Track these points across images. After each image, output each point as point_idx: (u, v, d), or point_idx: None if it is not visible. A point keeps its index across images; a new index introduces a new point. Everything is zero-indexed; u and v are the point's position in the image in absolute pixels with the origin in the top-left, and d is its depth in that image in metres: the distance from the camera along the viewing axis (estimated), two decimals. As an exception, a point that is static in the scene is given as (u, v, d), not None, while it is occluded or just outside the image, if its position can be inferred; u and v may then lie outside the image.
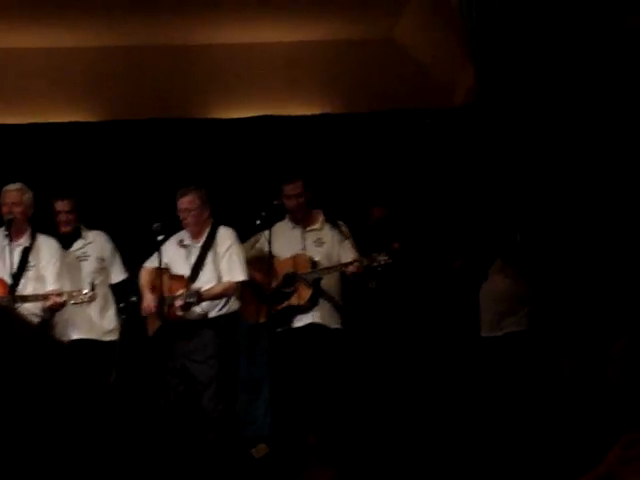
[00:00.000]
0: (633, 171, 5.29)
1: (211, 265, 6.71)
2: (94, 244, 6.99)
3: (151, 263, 6.83)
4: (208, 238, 6.78)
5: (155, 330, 6.74)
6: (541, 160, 5.62)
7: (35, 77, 8.25)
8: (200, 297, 6.52)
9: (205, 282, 6.66)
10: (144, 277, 6.85)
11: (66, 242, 6.95)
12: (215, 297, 6.66)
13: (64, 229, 6.95)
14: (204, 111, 8.43)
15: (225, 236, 6.78)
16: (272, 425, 6.91)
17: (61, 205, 6.96)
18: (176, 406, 6.63)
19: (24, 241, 6.68)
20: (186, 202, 6.70)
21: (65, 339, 6.68)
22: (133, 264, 7.10)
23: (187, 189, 6.73)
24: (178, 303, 6.51)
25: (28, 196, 6.71)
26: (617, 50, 5.25)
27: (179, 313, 6.52)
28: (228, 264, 6.69)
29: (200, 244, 6.78)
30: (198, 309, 6.63)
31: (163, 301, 6.50)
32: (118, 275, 7.09)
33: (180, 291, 6.55)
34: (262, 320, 6.86)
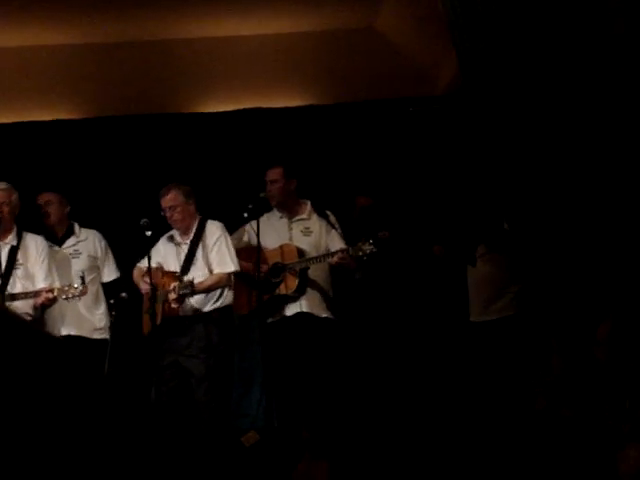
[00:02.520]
0: (616, 155, 5.33)
1: (201, 259, 6.73)
2: (87, 242, 7.05)
3: (144, 262, 6.86)
4: (197, 233, 6.80)
5: (148, 330, 6.76)
6: (525, 146, 5.65)
7: (16, 76, 8.23)
8: (193, 288, 6.50)
9: (197, 277, 6.66)
10: (137, 275, 6.89)
11: (58, 239, 6.99)
12: (208, 289, 6.66)
13: (45, 221, 6.98)
14: (188, 105, 8.43)
15: (213, 229, 6.81)
16: (266, 416, 6.93)
17: (40, 198, 7.03)
18: (168, 401, 6.64)
19: (11, 240, 6.72)
20: (169, 199, 6.72)
21: (55, 335, 6.72)
22: (121, 261, 7.12)
23: (168, 187, 6.76)
24: (172, 296, 6.50)
25: (16, 196, 6.79)
26: (599, 37, 5.27)
27: (174, 305, 6.51)
28: (218, 256, 6.72)
29: (189, 239, 6.80)
30: (192, 304, 6.65)
31: (155, 298, 6.52)
32: (111, 274, 7.13)
33: (173, 284, 6.55)
34: (251, 309, 6.88)
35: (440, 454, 6.18)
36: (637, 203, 5.33)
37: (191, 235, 6.81)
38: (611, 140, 5.30)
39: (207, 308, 6.69)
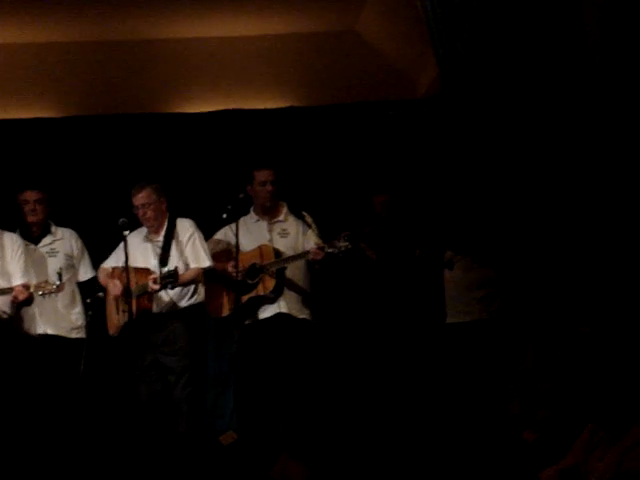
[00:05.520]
0: (594, 157, 5.37)
1: (176, 255, 6.74)
2: (63, 241, 7.01)
3: (108, 263, 6.92)
4: (168, 230, 6.82)
5: (117, 329, 6.76)
6: (503, 148, 5.68)
7: (-3, 73, 8.22)
8: (177, 278, 6.46)
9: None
10: (103, 276, 6.89)
11: (34, 238, 6.95)
12: (188, 282, 6.67)
13: (31, 218, 6.93)
14: (169, 106, 8.41)
15: (185, 226, 6.84)
16: (238, 417, 6.93)
17: (30, 195, 6.94)
18: (149, 403, 6.68)
19: (-15, 238, 6.67)
20: (143, 197, 6.74)
21: (32, 333, 6.70)
22: (98, 261, 7.10)
23: (140, 185, 6.77)
24: (154, 287, 6.49)
25: None
26: (576, 41, 5.31)
27: (156, 286, 6.48)
28: (193, 251, 6.73)
29: (161, 237, 6.81)
30: (167, 300, 6.67)
31: (130, 295, 6.50)
32: (87, 273, 7.10)
33: (153, 275, 6.54)
34: (229, 312, 6.88)
35: (416, 454, 6.19)
36: (614, 204, 5.37)
37: (162, 232, 6.83)
38: (588, 141, 5.34)
39: (182, 304, 6.71)
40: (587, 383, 4.43)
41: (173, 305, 6.69)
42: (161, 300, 6.66)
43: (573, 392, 4.98)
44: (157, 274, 6.54)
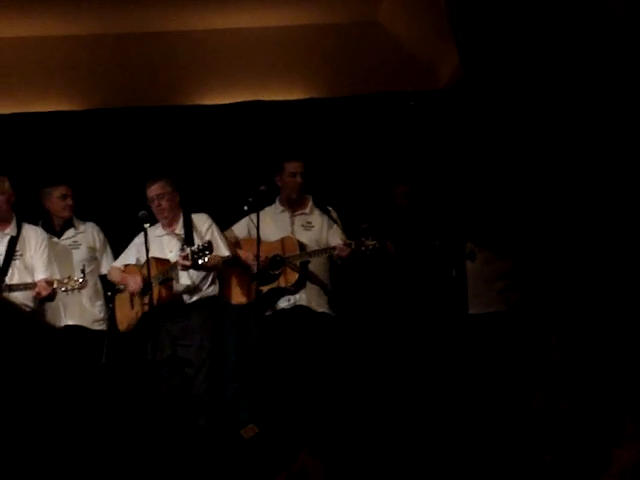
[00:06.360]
0: (616, 146, 5.32)
1: (199, 243, 6.72)
2: (85, 234, 7.05)
3: (119, 262, 6.97)
4: (186, 223, 6.84)
5: (129, 325, 6.79)
6: (526, 140, 5.64)
7: (18, 66, 8.22)
8: (212, 249, 6.42)
9: None
10: (115, 275, 6.90)
11: (57, 231, 6.97)
12: (213, 267, 6.67)
13: (66, 213, 6.95)
14: (189, 98, 8.41)
15: (202, 219, 6.88)
16: (252, 410, 6.93)
17: (65, 189, 6.97)
18: (169, 397, 6.70)
19: (10, 230, 6.71)
20: (157, 188, 6.78)
21: (57, 325, 6.72)
22: (120, 254, 7.10)
23: (153, 178, 6.82)
24: (186, 263, 6.43)
25: (8, 184, 6.72)
26: (598, 32, 5.27)
27: (188, 262, 6.45)
28: (213, 241, 6.71)
29: (179, 229, 6.84)
30: (186, 290, 6.68)
31: (150, 286, 6.50)
32: (109, 266, 7.11)
33: (184, 252, 6.50)
34: (248, 299, 6.87)
35: (437, 449, 6.17)
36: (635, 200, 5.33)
37: (178, 225, 6.85)
38: (611, 134, 5.30)
39: (200, 296, 6.75)
40: (613, 372, 4.40)
41: (191, 296, 6.71)
42: (180, 290, 6.67)
43: (599, 382, 4.95)
44: (187, 252, 6.48)
